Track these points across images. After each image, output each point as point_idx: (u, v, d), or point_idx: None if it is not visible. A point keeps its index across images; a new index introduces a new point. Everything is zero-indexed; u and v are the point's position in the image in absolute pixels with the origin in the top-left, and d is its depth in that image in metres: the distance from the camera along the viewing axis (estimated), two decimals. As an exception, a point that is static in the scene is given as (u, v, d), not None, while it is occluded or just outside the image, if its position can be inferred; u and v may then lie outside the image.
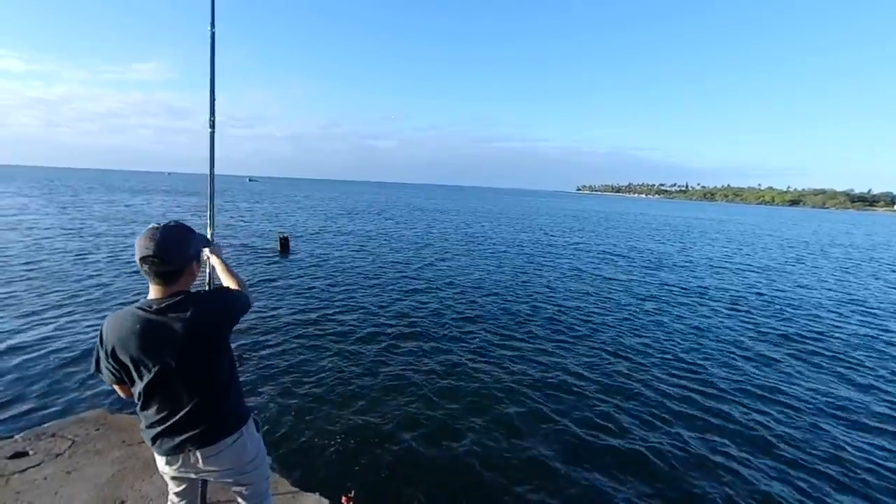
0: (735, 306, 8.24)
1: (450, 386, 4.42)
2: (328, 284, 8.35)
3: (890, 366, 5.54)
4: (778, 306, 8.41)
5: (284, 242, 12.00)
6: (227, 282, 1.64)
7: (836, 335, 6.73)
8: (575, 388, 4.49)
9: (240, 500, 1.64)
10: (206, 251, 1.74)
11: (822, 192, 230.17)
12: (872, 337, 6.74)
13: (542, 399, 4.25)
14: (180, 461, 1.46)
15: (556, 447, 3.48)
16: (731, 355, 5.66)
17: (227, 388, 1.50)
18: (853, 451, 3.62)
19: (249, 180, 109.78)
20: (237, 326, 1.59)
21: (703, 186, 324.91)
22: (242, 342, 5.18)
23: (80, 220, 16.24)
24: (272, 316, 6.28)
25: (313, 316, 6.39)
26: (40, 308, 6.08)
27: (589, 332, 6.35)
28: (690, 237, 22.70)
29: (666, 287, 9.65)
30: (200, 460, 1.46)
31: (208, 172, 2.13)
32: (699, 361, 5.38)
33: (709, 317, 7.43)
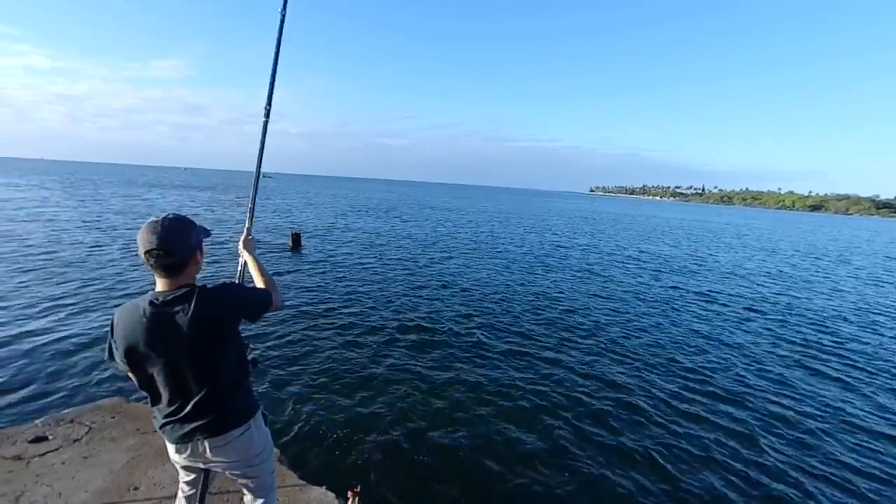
0: (746, 312, 8.11)
1: (456, 382, 4.45)
2: (338, 280, 8.45)
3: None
4: (790, 313, 8.26)
5: (296, 238, 12.15)
6: (257, 279, 1.70)
7: (851, 344, 6.59)
8: (577, 386, 4.49)
9: (246, 492, 1.69)
10: (240, 247, 1.82)
11: (846, 197, 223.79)
12: (887, 348, 6.58)
13: (547, 395, 4.26)
14: (189, 450, 1.51)
15: (563, 443, 3.51)
16: (739, 360, 5.59)
17: (236, 381, 1.54)
18: (867, 461, 3.56)
19: (264, 176, 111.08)
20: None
21: (721, 190, 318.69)
22: (251, 335, 5.27)
23: (97, 214, 16.65)
24: (282, 310, 6.39)
25: (323, 311, 6.48)
26: (58, 296, 6.27)
27: (594, 332, 6.33)
28: (704, 241, 22.34)
29: (675, 290, 9.54)
30: (208, 450, 1.50)
31: (256, 163, 2.15)
32: (705, 365, 5.33)
33: (717, 322, 7.34)
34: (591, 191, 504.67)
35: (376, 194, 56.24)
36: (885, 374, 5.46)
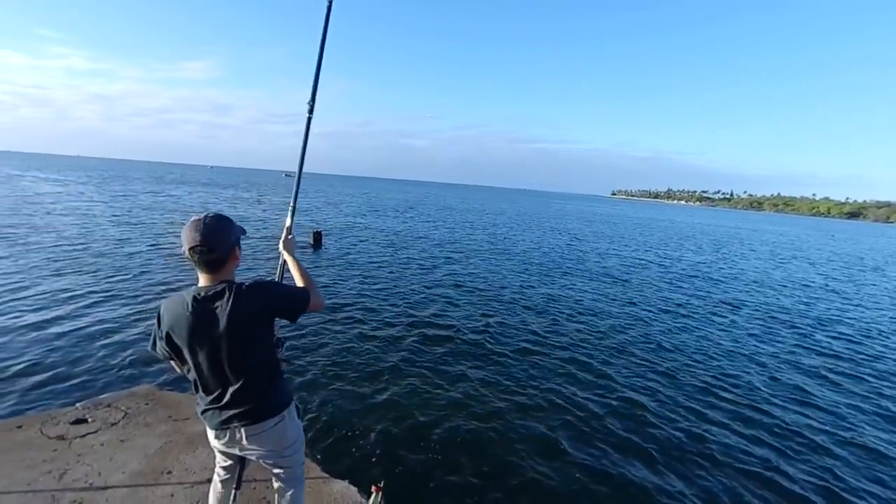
0: (771, 322, 7.85)
1: (474, 379, 4.46)
2: (358, 278, 8.58)
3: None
4: (818, 324, 7.96)
5: (317, 237, 12.39)
6: (296, 278, 1.75)
7: (884, 358, 6.30)
8: (593, 387, 4.45)
9: (277, 482, 1.76)
10: (280, 246, 1.89)
11: (888, 204, 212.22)
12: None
13: (562, 394, 4.25)
14: (227, 436, 1.60)
15: (579, 441, 3.49)
16: (761, 369, 5.43)
17: (272, 373, 1.62)
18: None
19: (286, 175, 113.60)
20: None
21: (750, 195, 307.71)
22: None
23: (127, 209, 17.37)
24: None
25: (344, 307, 6.61)
26: (89, 286, 6.58)
27: (609, 334, 6.26)
28: (730, 247, 21.66)
29: (697, 297, 9.29)
30: (244, 438, 1.59)
31: (299, 159, 2.12)
32: (727, 373, 5.20)
33: (740, 330, 7.13)
34: (613, 194, 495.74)
35: (395, 194, 56.69)
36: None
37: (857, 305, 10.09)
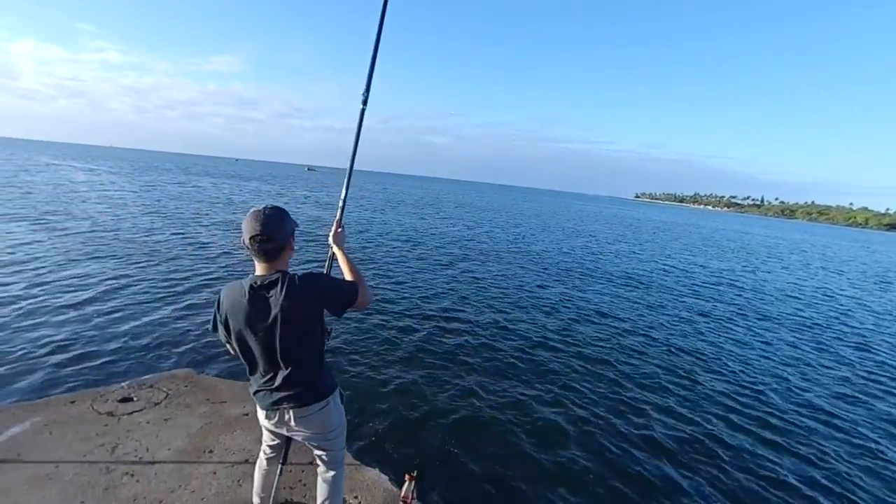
0: (799, 334, 7.65)
1: (493, 373, 4.53)
2: (376, 271, 8.75)
3: None
4: (848, 338, 7.70)
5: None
6: (345, 272, 1.83)
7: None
8: (613, 386, 4.45)
9: (319, 462, 1.87)
10: (330, 239, 1.98)
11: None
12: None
13: (580, 392, 4.28)
14: (276, 417, 1.71)
15: (599, 439, 3.52)
16: (785, 381, 5.31)
17: (319, 361, 1.72)
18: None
19: (308, 169, 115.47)
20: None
21: (782, 202, 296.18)
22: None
23: (156, 199, 18.02)
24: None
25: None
26: (120, 270, 6.92)
27: (627, 336, 6.23)
28: (758, 256, 20.98)
29: (721, 304, 9.09)
30: (293, 419, 1.70)
31: (352, 151, 2.11)
32: (751, 383, 5.10)
33: (764, 340, 6.97)
34: (637, 197, 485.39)
35: (414, 190, 56.96)
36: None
37: (887, 319, 9.68)
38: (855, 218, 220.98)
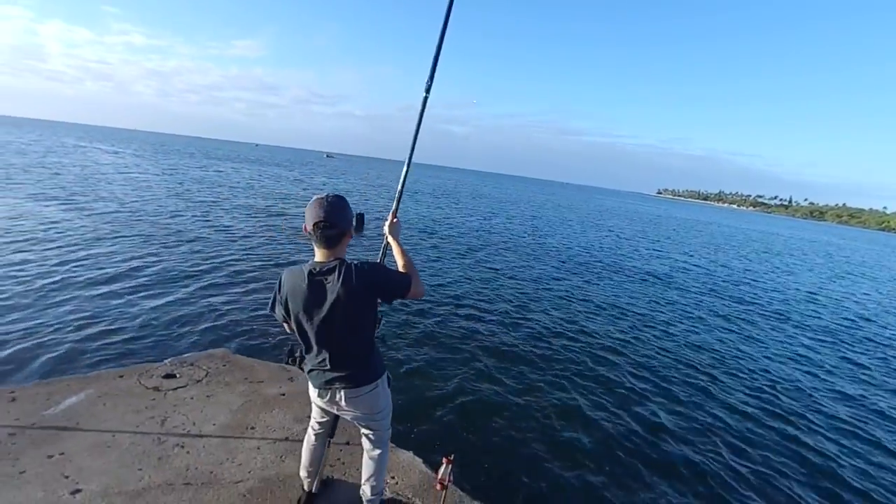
0: (822, 337, 7.51)
1: (510, 362, 4.59)
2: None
3: None
4: (873, 343, 7.55)
5: (360, 219, 12.77)
6: (399, 262, 1.89)
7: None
8: (631, 386, 4.45)
9: (365, 441, 1.97)
10: (385, 229, 2.04)
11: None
12: None
13: (595, 391, 4.30)
14: (328, 396, 1.80)
15: (613, 439, 3.54)
16: (810, 382, 5.25)
17: (370, 345, 1.80)
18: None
19: (327, 156, 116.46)
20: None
21: (811, 203, 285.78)
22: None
23: (178, 182, 18.52)
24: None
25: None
26: (144, 251, 7.18)
27: (646, 338, 6.20)
28: (784, 258, 20.39)
29: (741, 305, 8.95)
30: (343, 399, 1.78)
31: (412, 140, 2.13)
32: (770, 384, 5.08)
33: (788, 344, 6.88)
34: (659, 193, 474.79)
35: (432, 180, 56.91)
36: None
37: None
38: (888, 222, 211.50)
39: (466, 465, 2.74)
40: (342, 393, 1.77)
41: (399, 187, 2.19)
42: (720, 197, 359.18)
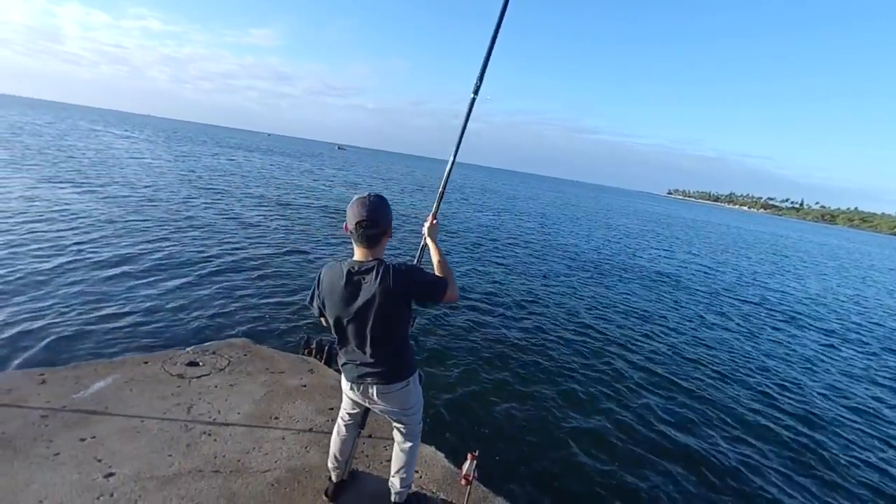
0: (829, 338, 7.53)
1: (520, 360, 4.61)
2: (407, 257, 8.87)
3: None
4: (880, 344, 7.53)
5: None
6: (435, 265, 1.87)
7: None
8: (639, 386, 4.46)
9: (397, 433, 2.00)
10: (424, 230, 2.03)
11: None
12: None
13: (610, 385, 4.31)
14: (360, 390, 1.83)
15: (614, 438, 3.56)
16: (816, 383, 5.21)
17: (404, 343, 1.82)
18: None
19: (338, 148, 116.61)
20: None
21: (823, 206, 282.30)
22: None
23: (190, 169, 18.70)
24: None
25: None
26: (156, 237, 7.28)
27: (644, 331, 6.28)
28: (793, 260, 20.15)
29: (750, 305, 8.91)
30: (375, 394, 1.81)
31: (457, 141, 2.07)
32: (778, 384, 5.07)
33: (796, 345, 6.90)
34: (669, 193, 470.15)
35: (440, 175, 56.63)
36: None
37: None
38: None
39: (489, 461, 2.77)
40: (374, 388, 1.80)
41: (441, 188, 2.15)
42: (731, 198, 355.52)
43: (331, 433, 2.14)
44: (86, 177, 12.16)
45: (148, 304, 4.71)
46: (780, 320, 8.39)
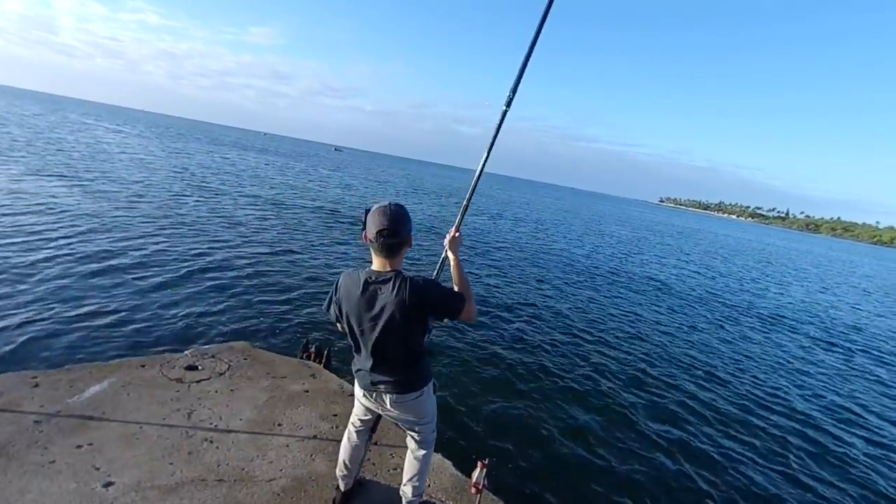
0: (814, 341, 7.71)
1: (518, 363, 4.59)
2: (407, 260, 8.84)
3: None
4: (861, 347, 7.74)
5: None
6: (455, 280, 1.83)
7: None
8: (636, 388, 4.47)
9: (410, 441, 1.97)
10: (446, 243, 1.98)
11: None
12: None
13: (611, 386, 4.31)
14: (374, 398, 1.80)
15: (616, 438, 3.56)
16: (804, 382, 5.37)
17: (419, 354, 1.78)
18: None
19: (335, 149, 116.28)
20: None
21: (808, 216, 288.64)
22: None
23: (182, 166, 18.45)
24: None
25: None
26: (144, 235, 7.12)
27: (639, 337, 6.38)
28: (778, 266, 20.48)
29: (735, 309, 9.06)
30: (388, 403, 1.78)
31: (485, 154, 2.02)
32: (772, 385, 5.14)
33: (784, 347, 7.10)
34: (661, 201, 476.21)
35: (439, 179, 56.86)
36: None
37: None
38: (880, 236, 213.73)
39: (500, 469, 2.74)
40: (387, 397, 1.77)
41: (465, 200, 2.06)
42: (720, 207, 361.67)
43: (336, 440, 2.11)
44: (75, 171, 11.94)
45: (138, 303, 4.63)
46: (768, 323, 8.58)
